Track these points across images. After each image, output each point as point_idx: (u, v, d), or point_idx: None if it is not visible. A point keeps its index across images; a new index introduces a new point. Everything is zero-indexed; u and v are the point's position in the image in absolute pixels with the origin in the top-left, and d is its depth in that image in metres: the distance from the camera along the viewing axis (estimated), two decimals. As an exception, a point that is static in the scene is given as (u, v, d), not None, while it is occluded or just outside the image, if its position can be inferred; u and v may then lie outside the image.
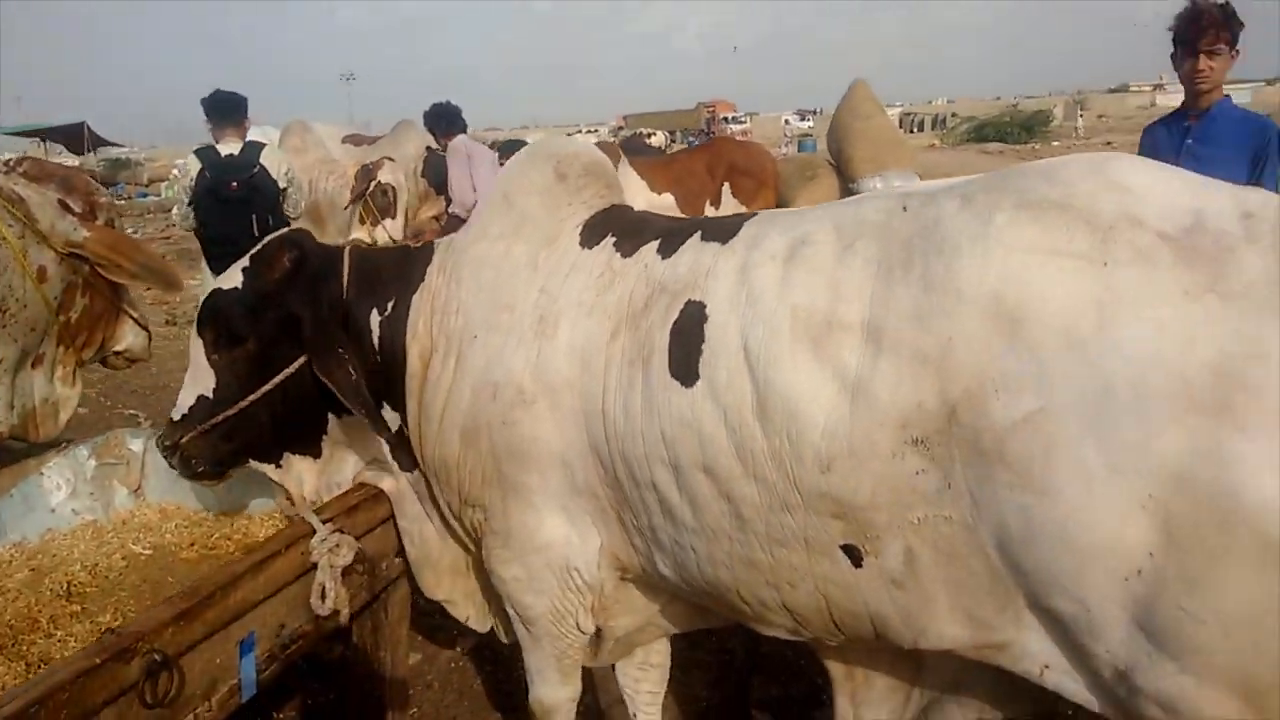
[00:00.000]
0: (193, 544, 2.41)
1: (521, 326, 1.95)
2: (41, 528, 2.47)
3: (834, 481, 1.53)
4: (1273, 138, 3.09)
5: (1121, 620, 1.34)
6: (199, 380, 2.20)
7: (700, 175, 7.22)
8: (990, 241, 1.44)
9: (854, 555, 1.58)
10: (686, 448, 1.70)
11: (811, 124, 47.05)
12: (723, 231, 1.85)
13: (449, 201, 6.00)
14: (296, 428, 2.24)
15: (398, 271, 2.21)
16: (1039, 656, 1.48)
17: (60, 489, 2.56)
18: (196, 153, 4.55)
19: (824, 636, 1.79)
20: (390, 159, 5.66)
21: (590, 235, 2.00)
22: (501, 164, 8.48)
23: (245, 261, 2.23)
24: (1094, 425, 1.31)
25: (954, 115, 58.16)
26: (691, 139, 43.59)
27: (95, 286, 2.79)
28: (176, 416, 2.23)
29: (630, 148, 9.24)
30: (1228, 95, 3.22)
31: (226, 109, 4.67)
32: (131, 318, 3.05)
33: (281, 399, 2.16)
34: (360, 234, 5.35)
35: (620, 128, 49.26)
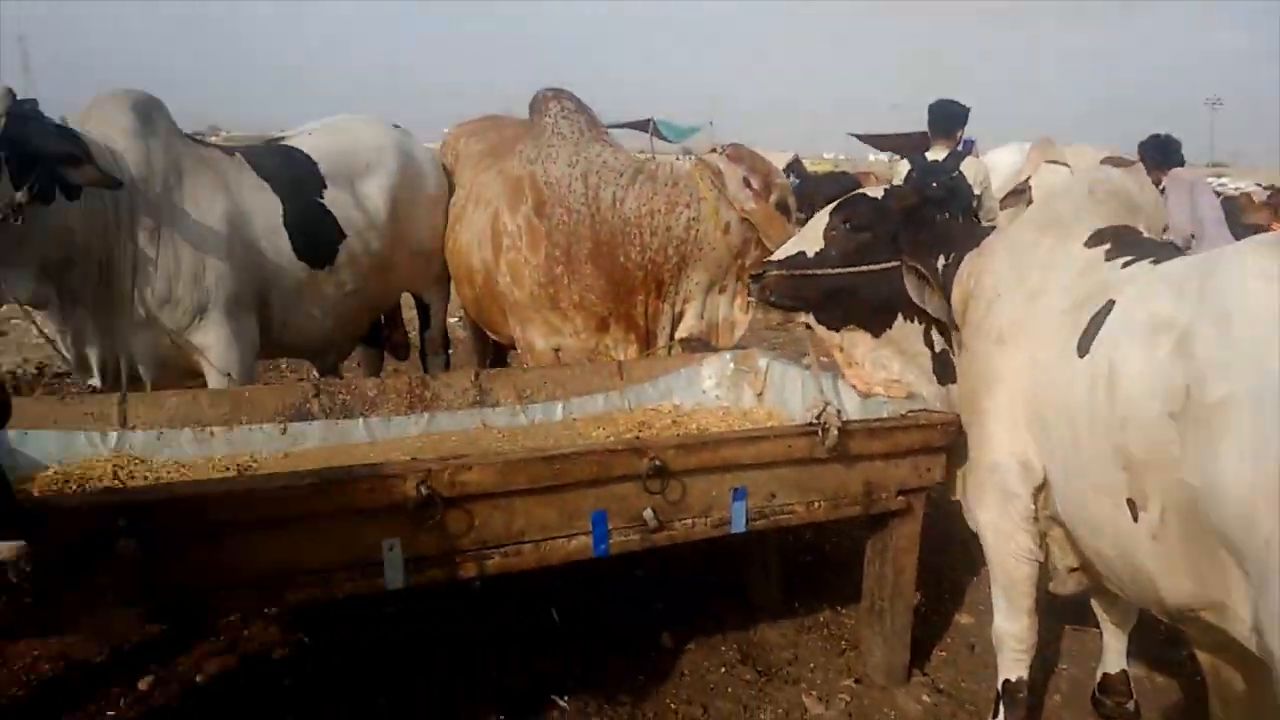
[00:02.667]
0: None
1: (1023, 293, 2.46)
2: (693, 401, 3.52)
3: (1127, 437, 1.94)
4: None
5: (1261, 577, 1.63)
6: (806, 243, 2.96)
7: None
8: (1235, 270, 1.85)
9: (1133, 508, 1.95)
10: (1065, 398, 2.17)
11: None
12: (1167, 259, 2.19)
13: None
14: (870, 309, 2.91)
15: (965, 235, 2.86)
16: (1242, 614, 1.75)
17: (710, 379, 3.58)
18: (908, 157, 5.35)
19: (1123, 589, 2.19)
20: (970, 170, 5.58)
21: (1094, 240, 2.41)
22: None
23: (888, 186, 3.03)
24: (1253, 410, 1.64)
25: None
26: None
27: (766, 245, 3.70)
28: (776, 258, 3.02)
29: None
30: None
31: (940, 120, 5.41)
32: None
33: (869, 284, 2.85)
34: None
35: None
